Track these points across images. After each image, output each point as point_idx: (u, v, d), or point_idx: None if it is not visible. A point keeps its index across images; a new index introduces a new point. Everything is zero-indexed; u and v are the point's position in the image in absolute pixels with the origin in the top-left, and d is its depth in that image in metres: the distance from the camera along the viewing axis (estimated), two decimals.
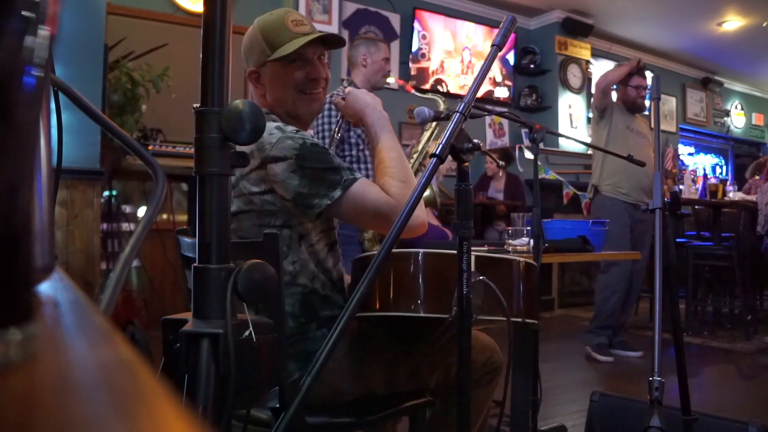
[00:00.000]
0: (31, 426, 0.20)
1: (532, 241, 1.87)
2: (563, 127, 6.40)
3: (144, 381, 0.26)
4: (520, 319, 1.23)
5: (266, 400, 0.97)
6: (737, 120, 9.13)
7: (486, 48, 6.04)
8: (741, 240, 4.33)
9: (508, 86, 6.31)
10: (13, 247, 0.28)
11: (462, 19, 5.99)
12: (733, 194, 5.16)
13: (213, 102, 0.65)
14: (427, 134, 2.55)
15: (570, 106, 6.54)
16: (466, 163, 1.01)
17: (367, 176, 2.71)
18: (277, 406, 0.99)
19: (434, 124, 2.42)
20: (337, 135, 2.61)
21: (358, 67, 2.95)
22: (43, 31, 0.30)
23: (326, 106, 2.71)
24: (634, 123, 3.77)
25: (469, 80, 5.97)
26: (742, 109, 9.21)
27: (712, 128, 8.69)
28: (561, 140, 6.16)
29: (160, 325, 0.68)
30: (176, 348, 0.64)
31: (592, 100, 4.03)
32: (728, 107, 9.01)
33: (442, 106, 2.46)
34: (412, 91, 2.76)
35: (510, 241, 2.04)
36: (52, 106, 0.61)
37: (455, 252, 0.99)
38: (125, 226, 3.54)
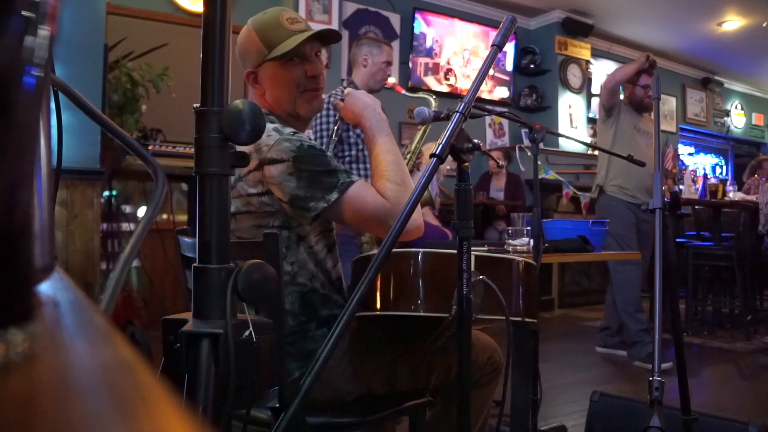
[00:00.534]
0: (31, 426, 0.20)
1: (532, 241, 1.87)
2: (563, 127, 6.40)
3: (144, 381, 0.26)
4: (519, 319, 1.23)
5: (266, 400, 0.98)
6: (737, 120, 9.13)
7: (482, 48, 6.04)
8: (741, 240, 4.33)
9: (506, 81, 6.31)
10: (13, 247, 0.28)
11: (462, 19, 5.99)
12: (733, 194, 5.15)
13: (213, 102, 0.65)
14: (419, 134, 2.54)
15: (570, 106, 6.54)
16: (466, 163, 1.01)
17: (366, 176, 2.71)
18: (277, 406, 0.99)
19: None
20: (335, 137, 2.61)
21: (359, 66, 2.94)
22: (43, 31, 0.30)
23: (325, 106, 2.70)
24: (642, 123, 3.72)
25: (473, 75, 5.97)
26: (742, 109, 9.21)
27: (712, 128, 8.69)
28: (561, 140, 6.16)
29: (160, 325, 0.68)
30: (176, 348, 0.64)
31: (598, 98, 3.96)
32: (728, 107, 9.01)
33: (433, 105, 2.46)
34: (402, 91, 2.75)
35: (510, 241, 2.04)
36: (52, 106, 0.61)
37: (455, 252, 0.99)
38: (125, 226, 3.54)
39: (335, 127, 2.60)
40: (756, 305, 4.74)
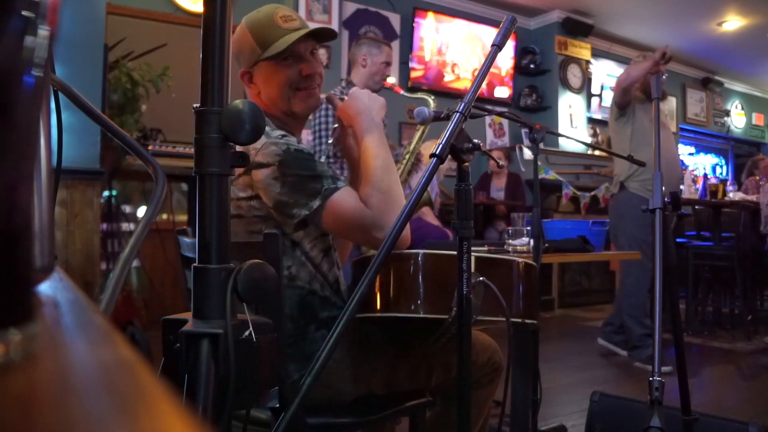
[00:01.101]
0: (31, 426, 0.20)
1: (532, 241, 1.87)
2: (563, 127, 6.40)
3: (144, 381, 0.26)
4: (519, 320, 1.23)
5: (266, 400, 0.97)
6: (737, 120, 9.14)
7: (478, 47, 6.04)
8: (741, 240, 4.33)
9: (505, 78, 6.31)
10: (12, 247, 0.28)
11: (462, 19, 5.99)
12: (734, 194, 5.15)
13: (213, 102, 0.65)
14: (417, 134, 2.54)
15: (570, 106, 6.54)
16: (466, 163, 1.01)
17: None
18: (277, 406, 0.99)
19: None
20: (333, 137, 2.61)
21: (358, 66, 2.94)
22: (43, 31, 0.30)
23: (324, 105, 2.70)
24: (653, 114, 3.67)
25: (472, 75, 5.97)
26: (742, 109, 9.21)
27: (712, 128, 8.69)
28: (561, 140, 6.16)
29: (160, 325, 0.68)
30: (176, 348, 0.64)
31: (612, 97, 3.85)
32: (728, 107, 9.01)
33: (432, 105, 2.47)
34: (401, 92, 2.75)
35: (510, 241, 2.04)
36: (52, 106, 0.61)
37: (455, 252, 0.99)
38: (125, 226, 3.54)
39: (335, 128, 2.60)
40: (756, 305, 4.74)
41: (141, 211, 3.96)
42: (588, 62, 6.71)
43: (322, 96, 1.46)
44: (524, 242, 2.00)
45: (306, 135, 3.18)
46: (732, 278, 4.38)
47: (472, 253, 1.01)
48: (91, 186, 2.57)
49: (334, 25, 5.13)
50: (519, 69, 6.39)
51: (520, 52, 6.40)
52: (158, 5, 4.42)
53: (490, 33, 6.11)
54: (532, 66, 6.42)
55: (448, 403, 1.47)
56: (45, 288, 0.43)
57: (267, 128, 1.26)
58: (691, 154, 8.90)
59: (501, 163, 5.08)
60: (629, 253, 3.29)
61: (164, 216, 3.80)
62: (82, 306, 0.41)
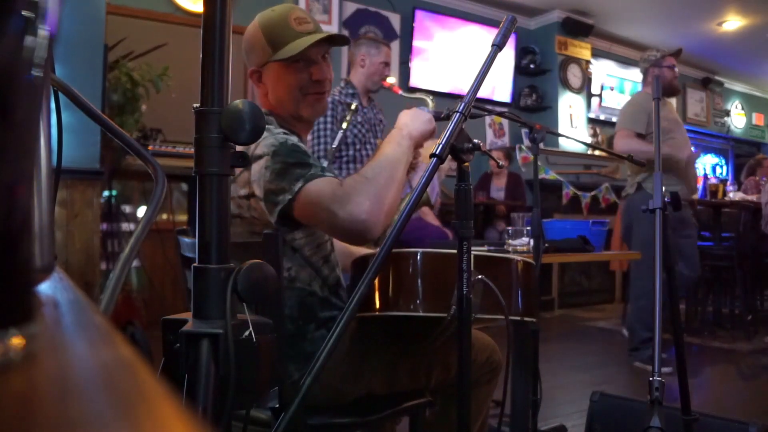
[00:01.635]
0: (31, 426, 0.20)
1: (532, 241, 1.88)
2: (563, 127, 6.40)
3: (144, 381, 0.26)
4: (519, 318, 1.23)
5: (266, 400, 0.97)
6: (737, 120, 9.14)
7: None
8: (741, 240, 4.33)
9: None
10: (12, 247, 0.28)
11: (462, 19, 5.99)
12: (734, 194, 5.16)
13: (213, 102, 0.65)
14: None
15: (570, 106, 6.54)
16: (466, 163, 1.01)
17: None
18: (277, 406, 0.99)
19: None
20: (348, 118, 2.61)
21: (356, 66, 2.94)
22: (43, 31, 0.30)
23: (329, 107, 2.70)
24: (670, 113, 3.53)
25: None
26: (742, 109, 9.21)
27: (712, 128, 8.69)
28: (561, 140, 6.16)
29: (160, 325, 0.68)
30: (176, 348, 0.64)
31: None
32: (728, 107, 9.01)
33: (430, 105, 2.47)
34: (400, 92, 2.75)
35: (510, 241, 2.04)
36: (52, 106, 0.61)
37: (454, 252, 0.99)
38: (125, 226, 3.54)
39: (349, 118, 2.59)
40: (756, 305, 4.74)
41: (141, 211, 3.96)
42: (588, 62, 6.71)
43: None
44: (524, 242, 2.00)
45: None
46: (732, 278, 4.38)
47: (472, 252, 1.01)
48: (91, 186, 2.57)
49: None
50: (519, 69, 6.39)
51: (520, 52, 6.40)
52: (158, 5, 4.42)
53: (490, 33, 6.11)
54: (532, 66, 6.42)
55: (448, 402, 1.47)
56: (45, 288, 0.43)
57: (271, 126, 1.26)
58: None
59: (501, 163, 5.08)
60: (629, 253, 3.29)
61: (164, 216, 3.80)
62: (82, 306, 0.41)
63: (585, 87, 6.67)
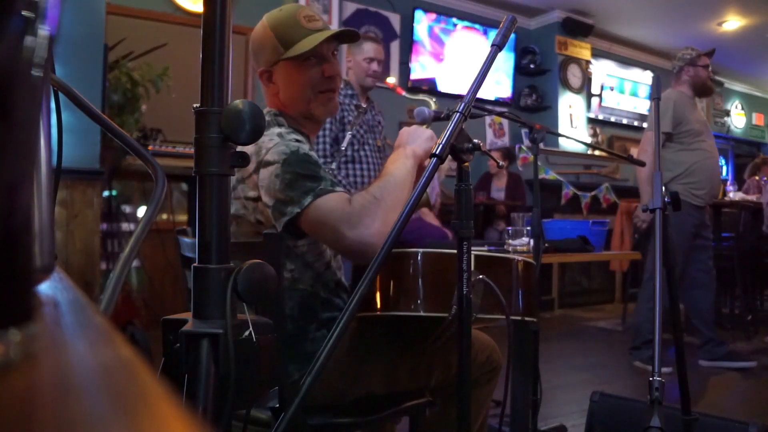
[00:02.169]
0: (31, 426, 0.20)
1: (532, 241, 1.88)
2: (563, 127, 6.40)
3: (144, 381, 0.26)
4: (519, 318, 1.23)
5: (266, 400, 0.97)
6: (737, 120, 9.13)
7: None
8: (741, 240, 4.33)
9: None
10: (12, 247, 0.28)
11: (461, 19, 5.99)
12: (734, 194, 5.15)
13: (213, 102, 0.65)
14: None
15: (570, 106, 6.54)
16: (466, 163, 1.01)
17: (361, 177, 2.71)
18: (277, 406, 0.99)
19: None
20: (357, 120, 2.61)
21: (347, 68, 2.97)
22: (43, 31, 0.30)
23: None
24: (700, 116, 3.49)
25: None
26: (742, 109, 9.21)
27: (712, 128, 8.66)
28: (561, 140, 6.16)
29: (160, 325, 0.68)
30: (176, 348, 0.64)
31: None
32: (728, 107, 9.01)
33: (433, 106, 2.48)
34: (403, 93, 2.76)
35: (510, 241, 2.04)
36: (52, 106, 0.61)
37: (455, 252, 0.99)
38: (125, 226, 3.54)
39: (356, 113, 2.59)
40: (756, 305, 4.74)
41: (141, 211, 3.96)
42: (588, 62, 6.70)
43: None
44: (524, 242, 2.01)
45: None
46: (732, 278, 4.38)
47: (472, 252, 1.01)
48: (91, 186, 2.57)
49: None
50: (519, 69, 6.39)
51: (520, 52, 6.40)
52: (158, 5, 4.42)
53: (489, 33, 6.11)
54: (532, 66, 6.42)
55: (448, 402, 1.47)
56: (45, 288, 0.43)
57: (283, 130, 1.25)
58: None
59: (501, 163, 5.08)
60: (629, 253, 3.29)
61: (164, 216, 3.80)
62: (82, 306, 0.41)
63: (585, 87, 6.67)
